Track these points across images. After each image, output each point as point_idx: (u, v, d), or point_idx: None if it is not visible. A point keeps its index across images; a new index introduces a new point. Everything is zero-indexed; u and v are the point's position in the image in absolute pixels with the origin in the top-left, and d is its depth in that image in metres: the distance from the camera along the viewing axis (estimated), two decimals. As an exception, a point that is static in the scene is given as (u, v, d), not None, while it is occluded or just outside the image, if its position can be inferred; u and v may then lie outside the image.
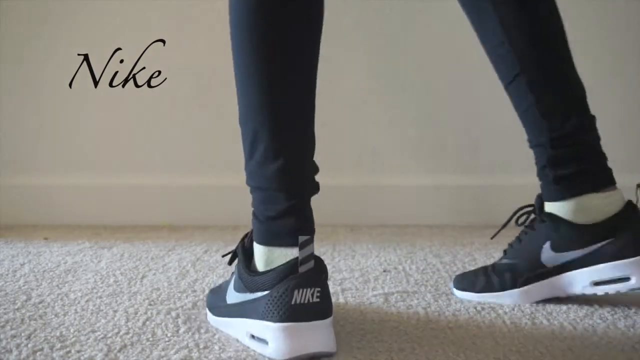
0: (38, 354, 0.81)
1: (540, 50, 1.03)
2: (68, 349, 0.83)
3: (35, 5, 1.78)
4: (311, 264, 0.81)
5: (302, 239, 0.81)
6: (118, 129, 1.81)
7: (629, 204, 1.01)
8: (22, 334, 0.88)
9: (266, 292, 0.81)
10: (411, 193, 1.79)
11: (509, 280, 1.02)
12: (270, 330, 0.79)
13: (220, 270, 1.24)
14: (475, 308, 0.99)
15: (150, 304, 1.01)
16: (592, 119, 1.06)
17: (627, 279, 0.95)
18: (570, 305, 1.01)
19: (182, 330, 0.90)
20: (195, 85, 1.79)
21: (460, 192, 1.77)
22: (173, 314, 0.96)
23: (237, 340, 0.86)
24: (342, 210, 1.78)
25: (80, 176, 1.80)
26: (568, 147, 1.02)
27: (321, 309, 0.79)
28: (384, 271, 1.23)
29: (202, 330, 0.90)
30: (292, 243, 0.83)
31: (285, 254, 0.83)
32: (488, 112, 1.76)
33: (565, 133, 1.02)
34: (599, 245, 0.97)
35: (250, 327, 0.83)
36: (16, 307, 1.00)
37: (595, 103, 1.70)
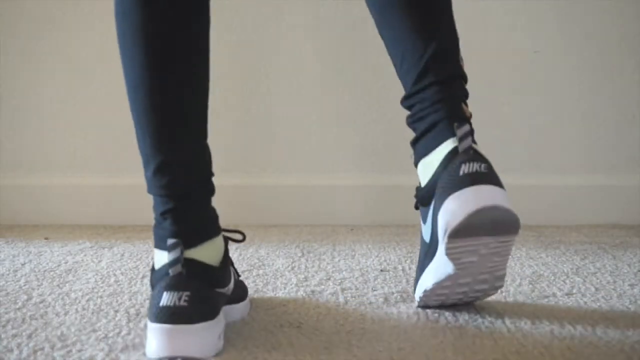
0: (39, 353, 0.82)
1: None
2: (69, 349, 0.83)
3: (35, 5, 1.78)
4: (178, 267, 0.82)
5: (170, 242, 0.83)
6: (118, 129, 1.81)
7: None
8: (23, 334, 0.88)
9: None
10: (411, 193, 1.79)
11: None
12: (147, 329, 0.82)
13: (220, 270, 1.24)
14: (475, 308, 0.99)
15: (150, 304, 1.01)
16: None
17: None
18: (570, 305, 1.01)
19: (182, 330, 0.90)
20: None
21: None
22: (173, 313, 0.97)
23: (238, 340, 0.86)
24: (342, 210, 1.78)
25: (80, 176, 1.80)
26: None
27: (187, 313, 0.80)
28: (382, 271, 1.23)
29: (203, 330, 0.90)
30: (165, 247, 0.84)
31: (163, 257, 0.84)
32: (487, 111, 1.76)
33: None
34: None
35: None
36: (17, 306, 1.00)
37: (595, 103, 1.71)
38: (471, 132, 0.89)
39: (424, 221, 0.94)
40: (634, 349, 0.83)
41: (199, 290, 0.82)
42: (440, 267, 0.89)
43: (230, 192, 1.78)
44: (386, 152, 1.80)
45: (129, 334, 0.89)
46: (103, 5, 1.77)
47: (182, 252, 0.83)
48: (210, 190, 0.91)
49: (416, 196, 0.95)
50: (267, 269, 1.25)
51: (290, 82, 1.79)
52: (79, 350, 0.82)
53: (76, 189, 1.79)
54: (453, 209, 0.83)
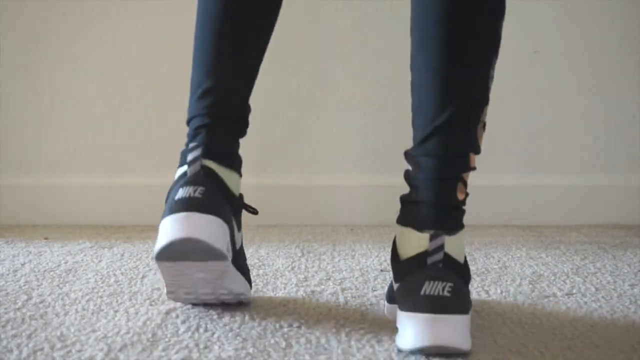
0: (38, 353, 0.82)
1: None
2: (69, 349, 0.83)
3: (35, 5, 1.78)
4: (197, 166, 0.89)
5: (193, 146, 0.91)
6: (118, 129, 1.81)
7: (423, 253, 0.84)
8: (23, 334, 0.88)
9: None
10: (411, 193, 1.79)
11: (387, 294, 0.97)
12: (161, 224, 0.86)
13: (220, 270, 1.24)
14: (475, 308, 0.99)
15: (150, 304, 1.01)
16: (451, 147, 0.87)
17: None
18: (570, 305, 1.01)
19: (182, 330, 0.90)
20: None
21: (460, 192, 1.77)
22: (173, 314, 0.97)
23: (237, 340, 0.86)
24: (342, 210, 1.78)
25: (80, 176, 1.80)
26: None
27: (201, 203, 0.85)
28: (382, 271, 1.23)
29: (202, 330, 0.90)
30: (185, 161, 0.91)
31: (183, 168, 0.92)
32: (487, 111, 1.76)
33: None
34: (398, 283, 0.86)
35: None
36: (17, 306, 1.00)
37: (595, 103, 1.72)
38: (441, 247, 0.83)
39: None
40: (635, 349, 0.83)
41: (214, 190, 0.86)
42: None
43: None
44: (386, 152, 1.80)
45: (128, 333, 0.89)
46: (103, 5, 1.77)
47: (202, 154, 0.89)
48: (241, 131, 0.96)
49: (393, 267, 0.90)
50: (267, 269, 1.24)
51: (290, 82, 1.79)
52: (79, 351, 0.82)
53: (76, 189, 1.79)
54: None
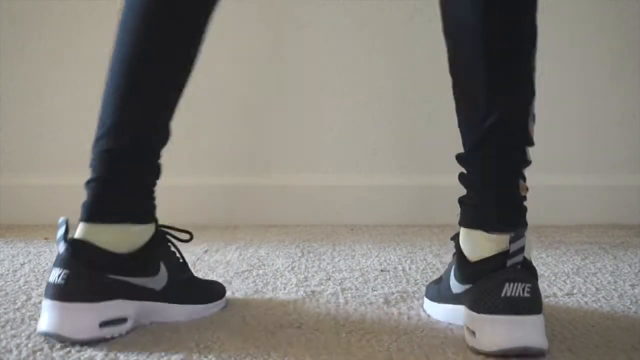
0: (38, 354, 0.81)
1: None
2: (68, 349, 0.83)
3: (35, 5, 1.78)
4: (62, 245, 0.85)
5: (61, 219, 0.87)
6: (118, 129, 1.81)
7: (501, 254, 0.83)
8: (23, 334, 0.88)
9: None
10: (411, 193, 1.80)
11: (437, 294, 0.97)
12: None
13: (220, 270, 1.24)
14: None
15: (150, 304, 1.01)
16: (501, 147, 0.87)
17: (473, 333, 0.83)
18: (570, 305, 1.01)
19: (182, 330, 0.90)
20: (195, 85, 1.78)
21: (460, 192, 1.77)
22: (173, 313, 0.96)
23: (237, 340, 0.86)
24: (342, 210, 1.78)
25: (81, 176, 1.80)
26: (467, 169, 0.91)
27: (63, 290, 0.82)
28: (382, 271, 1.23)
29: (202, 330, 0.90)
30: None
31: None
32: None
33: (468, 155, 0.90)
34: (469, 286, 0.86)
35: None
36: (16, 306, 1.00)
37: (595, 103, 1.72)
38: (522, 249, 0.82)
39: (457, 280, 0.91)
40: (635, 349, 0.83)
41: (79, 269, 0.83)
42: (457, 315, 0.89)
43: (230, 192, 1.78)
44: (386, 153, 1.80)
45: (127, 333, 0.88)
46: (103, 5, 1.77)
47: (66, 231, 0.85)
48: (145, 177, 0.92)
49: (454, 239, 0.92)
50: (267, 269, 1.24)
51: (291, 83, 1.79)
52: (78, 351, 0.82)
53: (76, 189, 1.78)
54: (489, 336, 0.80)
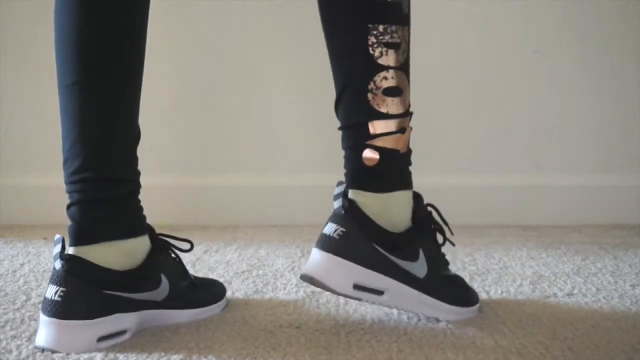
0: (38, 354, 0.81)
1: None
2: (68, 349, 0.83)
3: (34, 5, 1.78)
4: (58, 263, 0.83)
5: (57, 237, 0.85)
6: (118, 129, 1.80)
7: None
8: (22, 335, 0.88)
9: None
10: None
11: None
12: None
13: (220, 270, 1.23)
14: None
15: (150, 304, 1.01)
16: None
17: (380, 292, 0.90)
18: (571, 306, 1.01)
19: (182, 330, 0.90)
20: (195, 85, 1.79)
21: (461, 192, 1.77)
22: (173, 314, 0.96)
23: (237, 340, 0.86)
24: (342, 210, 1.77)
25: (80, 176, 1.80)
26: None
27: (59, 308, 0.82)
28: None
29: (202, 330, 0.90)
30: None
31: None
32: (488, 112, 1.76)
33: None
34: None
35: None
36: (16, 307, 1.00)
37: (596, 103, 1.71)
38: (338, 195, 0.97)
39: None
40: (635, 349, 0.83)
41: (76, 286, 0.82)
42: None
43: (230, 192, 1.78)
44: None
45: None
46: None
47: (62, 248, 0.83)
48: (126, 192, 0.92)
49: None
50: (267, 269, 1.24)
51: (290, 82, 1.79)
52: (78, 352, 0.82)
53: (76, 189, 1.79)
54: None
